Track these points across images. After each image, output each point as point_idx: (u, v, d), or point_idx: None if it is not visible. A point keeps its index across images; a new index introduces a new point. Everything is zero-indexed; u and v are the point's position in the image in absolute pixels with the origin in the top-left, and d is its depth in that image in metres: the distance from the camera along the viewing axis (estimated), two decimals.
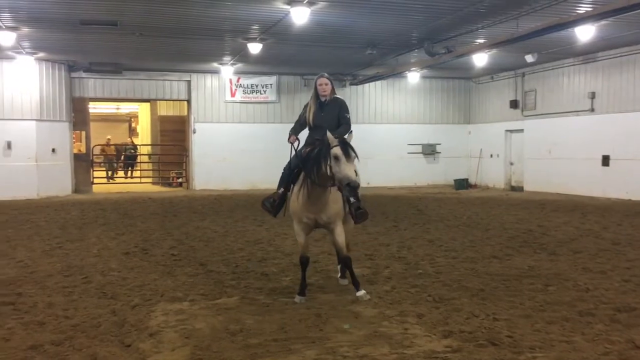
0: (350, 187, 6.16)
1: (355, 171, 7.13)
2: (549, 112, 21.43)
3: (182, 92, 23.92)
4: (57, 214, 15.35)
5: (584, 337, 5.49)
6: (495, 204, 17.53)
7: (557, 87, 21.16)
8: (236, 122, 23.91)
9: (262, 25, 15.14)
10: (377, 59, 19.49)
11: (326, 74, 7.16)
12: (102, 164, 28.42)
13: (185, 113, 24.77)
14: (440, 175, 25.46)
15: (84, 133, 23.36)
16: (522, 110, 22.90)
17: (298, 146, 7.13)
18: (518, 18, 13.85)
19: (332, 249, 7.63)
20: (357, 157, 6.47)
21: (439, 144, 25.63)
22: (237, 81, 23.93)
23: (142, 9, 13.69)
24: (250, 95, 24.22)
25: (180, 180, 25.61)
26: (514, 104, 23.16)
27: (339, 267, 7.63)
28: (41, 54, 19.53)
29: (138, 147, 31.62)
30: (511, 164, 23.83)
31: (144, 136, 31.07)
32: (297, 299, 6.84)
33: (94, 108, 28.67)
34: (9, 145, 20.02)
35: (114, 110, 38.05)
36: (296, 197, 6.80)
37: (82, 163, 22.80)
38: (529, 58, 18.67)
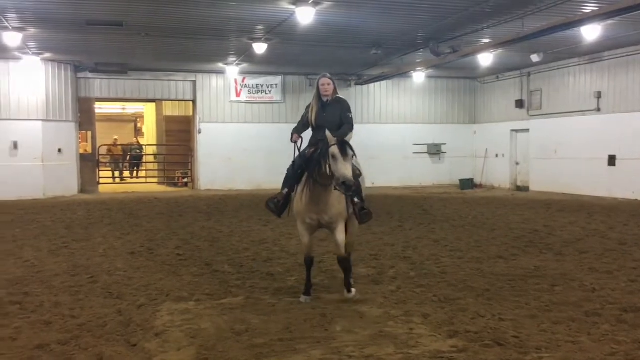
0: (346, 186, 6.16)
1: (360, 171, 7.15)
2: (554, 112, 21.37)
3: (188, 92, 23.96)
4: (63, 214, 15.40)
5: (590, 338, 5.48)
6: (501, 204, 17.49)
7: (563, 87, 21.10)
8: (241, 122, 23.94)
9: (267, 25, 15.15)
10: (382, 58, 19.47)
11: (328, 74, 7.16)
12: (108, 164, 28.48)
13: (191, 113, 24.82)
14: (445, 175, 25.42)
15: (89, 133, 23.44)
16: (528, 110, 22.84)
17: (301, 146, 7.13)
18: (524, 18, 13.82)
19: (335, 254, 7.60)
20: (355, 155, 6.49)
21: (444, 144, 25.59)
22: (242, 81, 23.95)
23: (148, 10, 13.73)
24: (256, 95, 24.24)
25: (185, 180, 25.66)
26: (519, 104, 23.11)
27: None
28: (47, 55, 19.60)
29: (144, 147, 31.69)
30: (517, 163, 23.77)
31: (149, 136, 31.14)
32: (303, 298, 6.85)
33: (100, 108, 28.74)
34: (15, 145, 20.11)
35: (120, 111, 38.15)
36: (299, 197, 6.81)
37: (88, 163, 22.87)
38: (535, 58, 18.62)
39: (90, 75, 22.31)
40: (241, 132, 23.69)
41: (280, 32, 15.66)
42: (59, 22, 14.84)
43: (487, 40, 16.67)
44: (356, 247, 8.95)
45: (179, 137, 25.81)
